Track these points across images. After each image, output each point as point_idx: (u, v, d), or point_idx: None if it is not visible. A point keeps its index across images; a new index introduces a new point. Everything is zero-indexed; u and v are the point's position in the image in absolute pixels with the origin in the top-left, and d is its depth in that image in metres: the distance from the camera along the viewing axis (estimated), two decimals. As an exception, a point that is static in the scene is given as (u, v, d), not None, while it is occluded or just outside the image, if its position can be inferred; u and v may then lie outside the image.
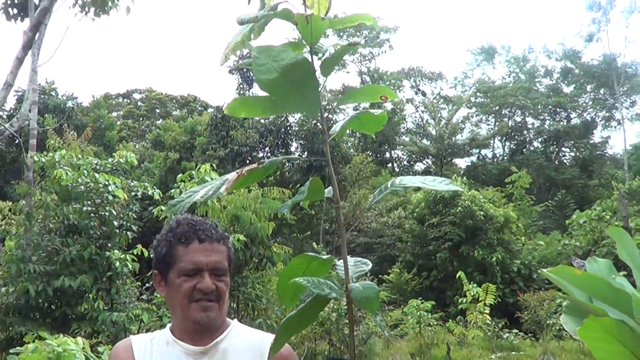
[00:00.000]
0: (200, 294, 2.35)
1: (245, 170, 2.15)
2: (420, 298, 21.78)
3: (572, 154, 56.51)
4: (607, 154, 56.42)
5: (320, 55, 2.27)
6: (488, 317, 22.32)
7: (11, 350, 10.56)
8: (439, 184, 2.18)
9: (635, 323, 5.15)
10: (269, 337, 2.42)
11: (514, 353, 19.81)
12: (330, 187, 2.15)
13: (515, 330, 22.36)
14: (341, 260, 2.09)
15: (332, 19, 2.33)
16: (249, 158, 35.38)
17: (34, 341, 10.96)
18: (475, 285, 23.27)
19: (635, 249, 6.14)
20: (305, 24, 2.19)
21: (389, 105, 44.57)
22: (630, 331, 4.91)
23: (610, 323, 4.88)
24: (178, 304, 2.43)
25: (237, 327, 2.52)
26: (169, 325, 2.55)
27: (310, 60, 2.29)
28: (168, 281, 2.46)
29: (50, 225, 15.50)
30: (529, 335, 22.68)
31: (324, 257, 2.17)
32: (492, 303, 22.50)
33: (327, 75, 2.32)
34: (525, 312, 23.11)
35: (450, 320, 23.25)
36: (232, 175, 2.15)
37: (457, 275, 23.79)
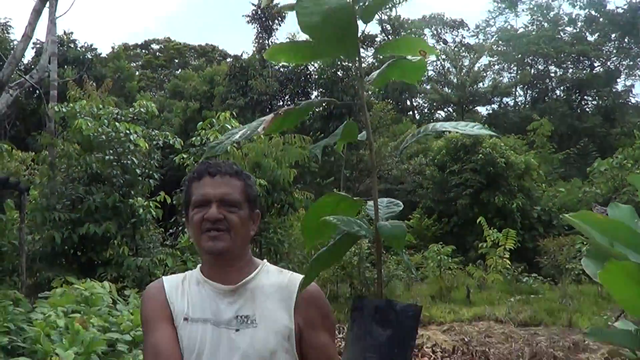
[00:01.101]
0: (208, 223, 2.43)
1: (282, 111, 2.17)
2: (441, 243, 21.92)
3: (595, 102, 55.75)
4: (630, 103, 55.65)
5: (362, 2, 2.23)
6: (508, 261, 22.43)
7: (40, 295, 10.81)
8: (471, 129, 2.21)
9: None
10: (298, 277, 2.50)
11: (533, 296, 19.91)
12: (364, 132, 2.18)
13: (534, 275, 22.46)
14: (371, 201, 2.12)
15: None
16: (269, 106, 35.40)
17: (61, 286, 11.25)
18: (495, 230, 23.35)
19: (656, 195, 6.24)
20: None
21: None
22: (649, 274, 5.02)
23: (632, 267, 4.98)
24: (194, 237, 2.53)
25: (267, 267, 2.59)
26: (199, 265, 2.62)
27: (352, 4, 2.21)
28: (188, 218, 2.54)
29: (74, 175, 15.70)
30: (548, 279, 22.78)
31: (355, 198, 2.18)
32: (512, 248, 22.59)
33: (368, 22, 2.28)
34: (545, 257, 23.18)
35: (470, 265, 23.38)
36: (269, 117, 2.18)
37: (478, 221, 23.85)
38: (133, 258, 14.07)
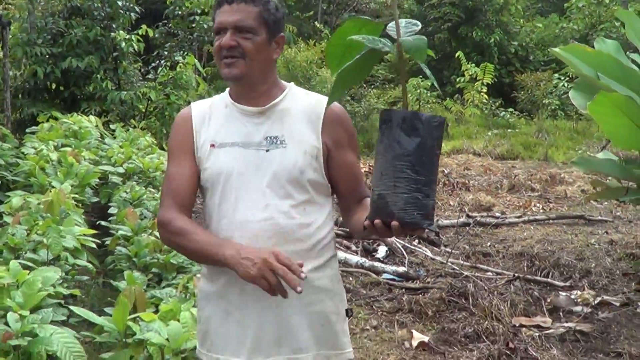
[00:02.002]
0: (224, 51, 2.46)
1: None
2: (420, 76, 22.00)
3: None
4: None
5: None
6: (485, 96, 22.72)
7: (27, 130, 10.86)
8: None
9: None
10: (325, 99, 2.54)
11: (509, 130, 20.35)
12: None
13: (511, 109, 22.82)
14: (391, 23, 2.15)
15: None
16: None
17: (47, 121, 11.28)
18: (473, 65, 23.47)
19: (644, 31, 6.35)
20: None
21: None
22: (638, 107, 5.23)
23: (620, 98, 5.20)
24: (217, 64, 2.57)
25: (294, 89, 2.63)
26: (227, 89, 2.67)
27: None
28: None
29: (53, 8, 15.40)
30: (524, 114, 23.19)
31: (375, 20, 2.15)
32: (489, 83, 22.83)
33: None
34: (522, 92, 23.47)
35: (448, 99, 23.59)
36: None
37: (456, 55, 23.91)
38: (116, 92, 14.05)
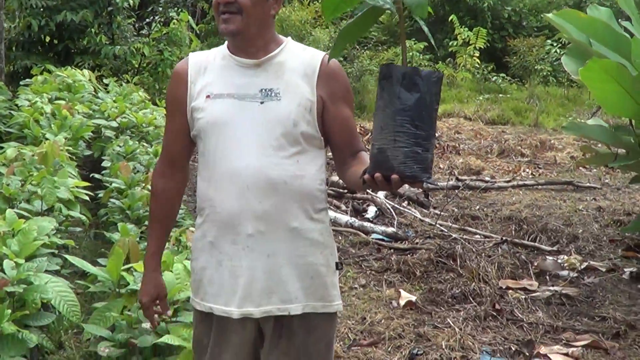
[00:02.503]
0: (221, 6, 2.47)
1: None
2: (414, 39, 21.90)
3: None
4: None
5: None
6: (477, 60, 22.67)
7: (21, 82, 10.81)
8: None
9: (633, 67, 5.51)
10: (321, 54, 2.59)
11: (501, 95, 20.34)
12: None
13: (502, 75, 22.79)
14: None
15: None
16: None
17: (41, 74, 11.25)
18: (466, 29, 23.38)
19: (633, -2, 6.39)
20: None
21: None
22: (629, 73, 5.27)
23: (611, 65, 5.25)
24: (215, 19, 2.59)
25: (290, 44, 2.63)
26: (226, 42, 2.66)
27: None
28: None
29: (49, -41, 15.23)
30: (516, 79, 23.16)
31: None
32: (482, 47, 22.76)
33: None
34: (514, 58, 23.41)
35: (440, 62, 23.52)
36: None
37: (449, 19, 23.79)
38: (110, 46, 13.99)
